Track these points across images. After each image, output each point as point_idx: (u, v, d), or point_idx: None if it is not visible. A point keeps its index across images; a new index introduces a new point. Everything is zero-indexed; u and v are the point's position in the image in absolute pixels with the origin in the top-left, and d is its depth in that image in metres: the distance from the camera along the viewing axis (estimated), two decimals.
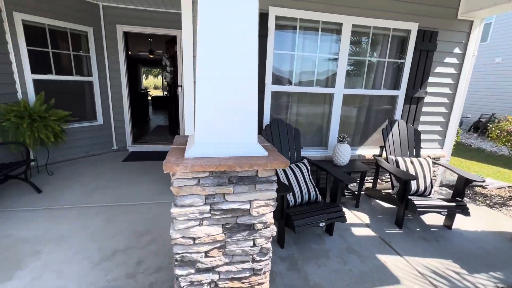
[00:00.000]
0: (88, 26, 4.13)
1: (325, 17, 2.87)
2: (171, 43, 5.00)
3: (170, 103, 5.75)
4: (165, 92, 15.36)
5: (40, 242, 2.20)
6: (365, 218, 2.86)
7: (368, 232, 2.60)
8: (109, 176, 3.66)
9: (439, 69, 3.32)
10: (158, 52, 12.36)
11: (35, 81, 3.72)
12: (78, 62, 4.23)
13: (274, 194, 1.32)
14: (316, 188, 2.62)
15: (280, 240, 2.25)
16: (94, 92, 4.39)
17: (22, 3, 3.45)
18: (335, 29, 3.00)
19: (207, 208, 1.26)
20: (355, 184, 3.22)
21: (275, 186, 1.32)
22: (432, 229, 2.68)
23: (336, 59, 3.06)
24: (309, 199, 2.53)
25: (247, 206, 1.30)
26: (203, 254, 1.32)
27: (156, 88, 27.05)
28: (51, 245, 2.17)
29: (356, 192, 3.05)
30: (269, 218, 1.35)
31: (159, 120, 8.52)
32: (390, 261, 2.19)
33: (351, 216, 2.87)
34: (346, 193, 3.13)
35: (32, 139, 3.13)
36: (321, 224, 2.18)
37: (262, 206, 1.31)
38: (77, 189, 3.20)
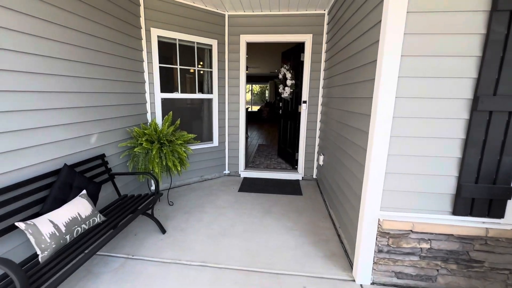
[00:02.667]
0: (213, 39, 3.75)
1: None
2: (294, 51, 4.23)
3: (284, 120, 4.98)
4: (251, 107, 15.35)
5: None
6: None
7: None
8: (230, 214, 2.97)
9: None
10: (251, 67, 12.43)
11: (162, 101, 3.47)
12: (201, 79, 3.90)
13: None
14: None
15: None
16: (212, 111, 3.96)
17: (160, 18, 3.25)
18: None
19: None
20: None
21: None
22: None
23: None
24: None
25: None
26: None
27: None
28: None
29: None
30: None
31: (257, 137, 8.04)
32: None
33: None
34: None
35: (160, 167, 2.70)
36: None
37: None
38: (201, 231, 2.57)
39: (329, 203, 3.08)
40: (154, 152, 2.61)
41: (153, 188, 3.37)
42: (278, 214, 3.01)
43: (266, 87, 16.60)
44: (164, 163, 2.70)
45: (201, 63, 3.82)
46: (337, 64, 2.98)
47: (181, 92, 3.63)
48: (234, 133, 4.18)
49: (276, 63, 10.77)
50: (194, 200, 3.33)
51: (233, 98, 4.08)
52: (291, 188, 3.79)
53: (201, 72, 3.87)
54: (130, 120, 2.98)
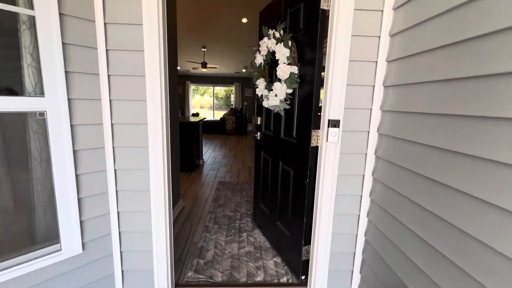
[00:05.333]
0: None
1: None
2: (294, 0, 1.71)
3: (268, 157, 2.41)
4: (213, 113, 12.14)
5: None
6: None
7: None
8: None
9: None
10: (211, 65, 9.71)
11: None
12: None
13: None
14: None
15: None
16: (51, 150, 1.22)
17: None
18: None
19: None
20: None
21: None
22: None
23: None
24: None
25: None
26: None
27: (201, 108, 25.20)
28: None
29: None
30: None
31: (217, 163, 5.31)
32: None
33: None
34: None
35: None
36: None
37: None
38: None
39: None
40: None
41: None
42: None
43: (232, 90, 14.04)
44: None
45: None
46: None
47: None
48: (135, 209, 1.47)
49: (244, 60, 8.25)
50: None
51: (127, 109, 1.38)
52: None
53: None
54: None
